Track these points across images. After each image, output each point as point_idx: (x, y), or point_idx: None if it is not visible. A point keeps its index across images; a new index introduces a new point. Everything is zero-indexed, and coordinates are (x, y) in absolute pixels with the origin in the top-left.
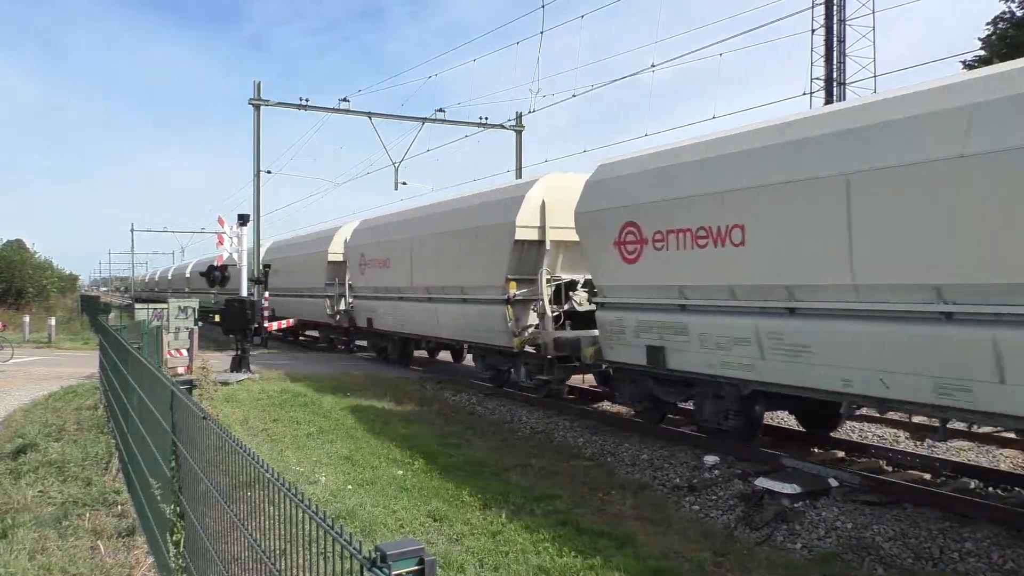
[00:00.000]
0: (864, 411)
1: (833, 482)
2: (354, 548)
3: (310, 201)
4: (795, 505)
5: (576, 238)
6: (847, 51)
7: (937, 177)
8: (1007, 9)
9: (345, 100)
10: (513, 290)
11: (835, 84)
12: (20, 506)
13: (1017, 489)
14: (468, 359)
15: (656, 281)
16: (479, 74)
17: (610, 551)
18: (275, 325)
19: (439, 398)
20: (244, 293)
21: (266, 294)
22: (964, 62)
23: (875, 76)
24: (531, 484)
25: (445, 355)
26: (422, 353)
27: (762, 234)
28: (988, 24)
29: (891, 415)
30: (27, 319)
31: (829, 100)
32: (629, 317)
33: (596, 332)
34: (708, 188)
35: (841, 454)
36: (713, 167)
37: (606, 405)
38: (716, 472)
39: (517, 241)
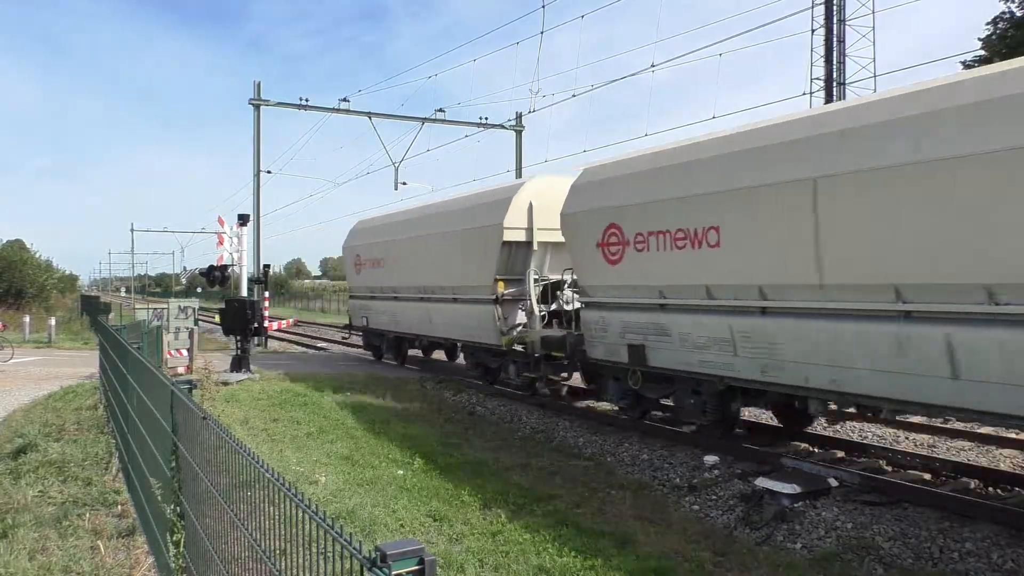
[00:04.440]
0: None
1: (833, 482)
2: (354, 548)
3: (310, 201)
4: (795, 505)
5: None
6: (847, 51)
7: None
8: (1007, 9)
9: (345, 100)
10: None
11: (835, 84)
12: (20, 506)
13: (1017, 489)
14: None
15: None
16: (479, 74)
17: (610, 551)
18: (275, 325)
19: (439, 398)
20: (244, 293)
21: (265, 294)
22: (964, 62)
23: (875, 76)
24: (531, 484)
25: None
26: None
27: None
28: (988, 24)
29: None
30: (27, 319)
31: (829, 100)
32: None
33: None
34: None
35: (841, 454)
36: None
37: (605, 404)
38: (716, 472)
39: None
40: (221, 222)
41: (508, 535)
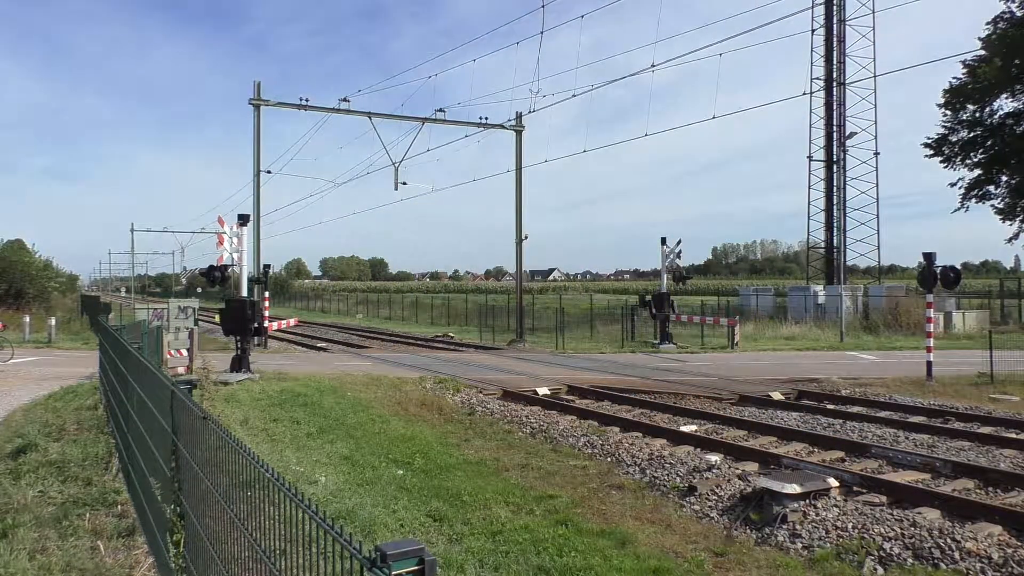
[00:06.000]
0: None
1: (833, 482)
2: (354, 548)
3: (310, 201)
4: (795, 505)
5: None
6: (847, 51)
7: None
8: (1007, 9)
9: (345, 100)
10: None
11: (835, 84)
12: (20, 506)
13: (1017, 489)
14: None
15: None
16: (479, 74)
17: (610, 551)
18: (275, 325)
19: (439, 398)
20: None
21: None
22: (964, 62)
23: (875, 76)
24: (531, 484)
25: None
26: None
27: None
28: (988, 24)
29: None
30: (27, 319)
31: (829, 100)
32: None
33: None
34: None
35: (841, 454)
36: None
37: (606, 403)
38: (716, 472)
39: None
40: (221, 222)
41: (508, 535)
